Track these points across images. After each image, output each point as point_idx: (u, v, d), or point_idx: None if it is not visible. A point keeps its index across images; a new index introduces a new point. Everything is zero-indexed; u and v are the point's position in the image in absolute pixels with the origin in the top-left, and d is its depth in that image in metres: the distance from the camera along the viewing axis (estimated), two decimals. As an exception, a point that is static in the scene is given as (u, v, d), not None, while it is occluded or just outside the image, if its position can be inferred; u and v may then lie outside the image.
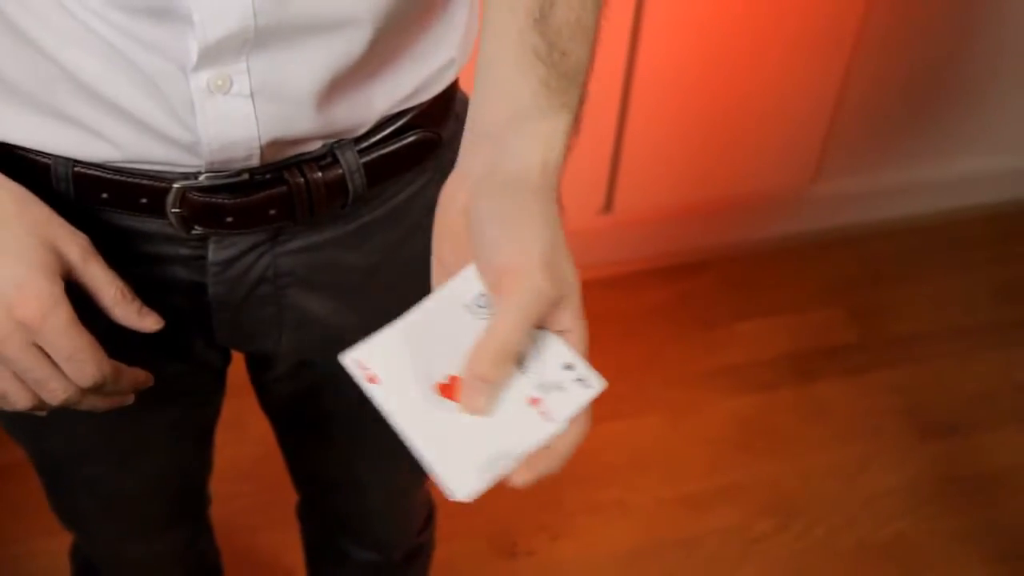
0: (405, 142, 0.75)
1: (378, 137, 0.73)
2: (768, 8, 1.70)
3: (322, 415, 0.97)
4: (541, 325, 0.60)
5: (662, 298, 1.95)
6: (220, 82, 0.63)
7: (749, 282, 1.99)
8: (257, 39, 0.62)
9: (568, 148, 0.66)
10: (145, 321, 0.69)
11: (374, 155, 0.73)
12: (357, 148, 0.72)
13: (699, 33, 1.70)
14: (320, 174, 0.71)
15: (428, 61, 0.73)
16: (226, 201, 0.70)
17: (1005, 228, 2.11)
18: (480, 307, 0.62)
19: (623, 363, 1.84)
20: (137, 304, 0.68)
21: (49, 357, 0.64)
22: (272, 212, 0.72)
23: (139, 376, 0.71)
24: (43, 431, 0.89)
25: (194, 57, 0.62)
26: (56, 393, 0.65)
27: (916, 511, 1.67)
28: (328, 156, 0.72)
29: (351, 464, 1.04)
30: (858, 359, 1.88)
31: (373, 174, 0.74)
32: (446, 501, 1.25)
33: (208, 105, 0.64)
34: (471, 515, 1.60)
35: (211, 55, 0.62)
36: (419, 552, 1.22)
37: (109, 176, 0.69)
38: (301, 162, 0.71)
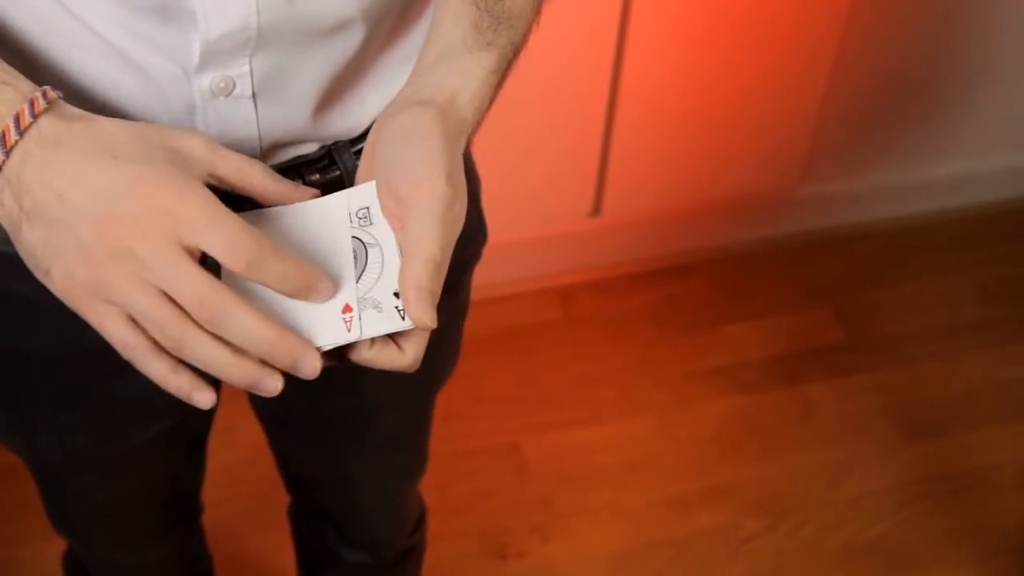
0: None
1: None
2: (754, 11, 1.71)
3: (314, 418, 0.97)
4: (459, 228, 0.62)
5: (650, 301, 1.96)
6: (223, 84, 0.64)
7: (736, 284, 2.00)
8: (260, 38, 0.62)
9: (492, 87, 0.67)
10: (301, 192, 0.63)
11: None
12: (354, 149, 0.73)
13: (685, 36, 1.71)
14: (318, 176, 0.72)
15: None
16: (225, 203, 0.70)
17: (991, 229, 2.12)
18: (361, 219, 0.63)
19: (611, 366, 1.85)
20: (285, 179, 0.63)
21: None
22: None
23: (309, 271, 0.59)
24: (36, 440, 0.89)
25: (196, 58, 0.62)
26: (202, 298, 0.54)
27: (903, 510, 1.68)
28: (326, 158, 0.72)
29: (343, 466, 1.04)
30: (845, 360, 1.89)
31: None
32: (437, 503, 1.26)
33: (210, 107, 0.65)
34: (462, 516, 1.61)
35: (213, 55, 0.62)
36: (411, 553, 1.22)
37: None
38: (299, 164, 0.71)
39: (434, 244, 0.60)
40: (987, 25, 1.89)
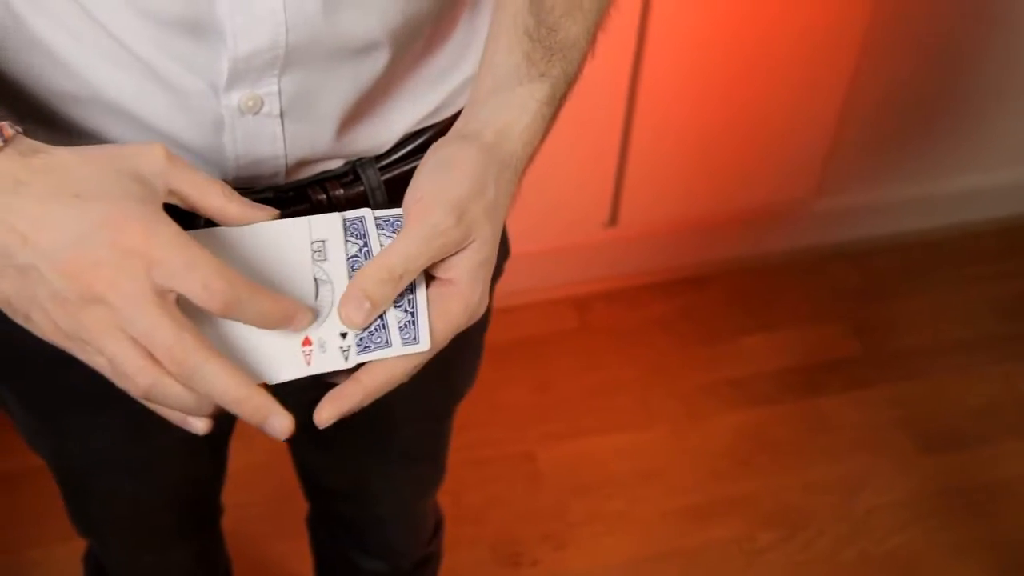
0: None
1: (399, 154, 0.74)
2: (772, 23, 1.71)
3: (334, 429, 0.98)
4: (439, 259, 0.61)
5: (666, 311, 1.96)
6: (251, 103, 0.64)
7: (752, 296, 2.00)
8: (288, 57, 0.62)
9: (545, 119, 0.67)
10: (262, 212, 0.61)
11: (395, 172, 0.74)
12: (378, 165, 0.73)
13: (703, 48, 1.71)
14: (342, 191, 0.72)
15: (447, 80, 0.74)
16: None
17: (1008, 243, 2.12)
18: (315, 252, 0.62)
19: (626, 376, 1.85)
20: (245, 199, 0.60)
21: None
22: None
23: (287, 305, 0.58)
24: (61, 441, 0.90)
25: (225, 75, 0.62)
26: (172, 353, 0.53)
27: (918, 524, 1.68)
28: (350, 174, 0.72)
29: (362, 477, 1.05)
30: (860, 373, 1.89)
31: (394, 191, 0.74)
32: (451, 510, 1.27)
33: (238, 125, 0.65)
34: (476, 524, 1.62)
35: (242, 73, 0.62)
36: (427, 562, 1.23)
37: None
38: (324, 180, 0.72)
39: (397, 257, 0.59)
40: (1006, 39, 1.89)
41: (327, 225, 0.62)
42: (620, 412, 1.81)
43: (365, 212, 0.63)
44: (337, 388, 0.61)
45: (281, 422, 0.56)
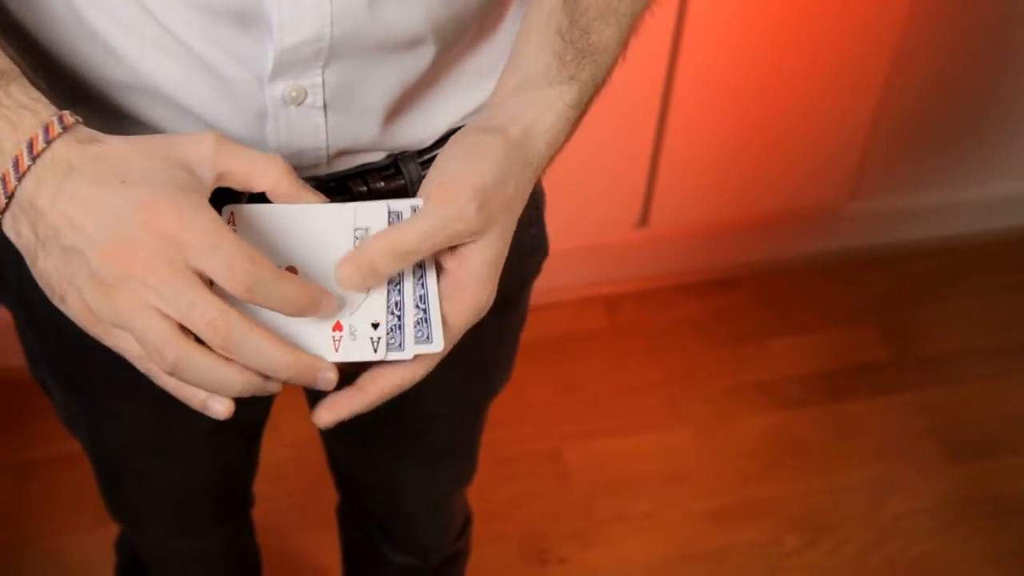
0: None
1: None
2: (807, 25, 1.70)
3: (366, 419, 0.99)
4: (452, 246, 0.61)
5: (695, 313, 1.96)
6: (295, 94, 0.64)
7: (782, 299, 1.99)
8: (332, 50, 0.63)
9: (570, 122, 0.67)
10: (313, 195, 0.61)
11: None
12: (420, 160, 0.73)
13: (738, 49, 1.71)
14: (383, 184, 0.72)
15: (493, 76, 0.74)
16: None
17: (1042, 250, 2.11)
18: (357, 240, 0.62)
19: (655, 376, 1.85)
20: (299, 180, 0.61)
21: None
22: None
23: (313, 291, 0.58)
24: (99, 424, 0.91)
25: (270, 66, 0.63)
26: (216, 325, 0.53)
27: (946, 531, 1.67)
28: (392, 167, 0.73)
29: (393, 472, 1.05)
30: (890, 378, 1.88)
31: None
32: (478, 507, 1.27)
33: (281, 115, 0.65)
34: (503, 521, 1.62)
35: (286, 64, 0.63)
36: (456, 558, 1.23)
37: None
38: (365, 172, 0.72)
39: (411, 233, 0.59)
40: (1044, 45, 1.88)
41: (372, 213, 0.63)
42: (648, 412, 1.81)
43: (405, 205, 0.63)
44: (339, 394, 0.61)
45: (328, 376, 0.57)
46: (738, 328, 1.94)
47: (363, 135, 0.70)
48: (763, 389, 1.84)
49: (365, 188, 0.72)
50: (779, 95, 1.78)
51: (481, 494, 1.56)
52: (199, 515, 1.07)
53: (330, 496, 1.23)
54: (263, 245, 0.60)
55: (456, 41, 0.69)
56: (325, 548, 1.40)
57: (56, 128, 0.55)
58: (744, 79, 1.75)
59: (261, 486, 1.16)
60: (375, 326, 0.60)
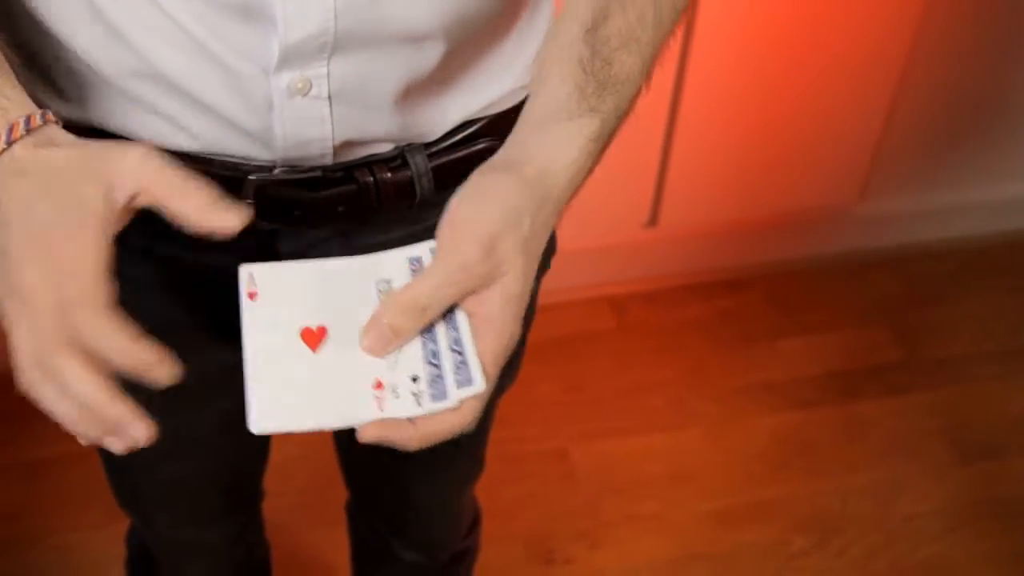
0: (475, 148, 0.75)
1: (449, 142, 0.75)
2: (817, 26, 1.70)
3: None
4: (469, 293, 0.62)
5: (703, 313, 1.96)
6: (300, 85, 0.65)
7: (791, 300, 1.99)
8: (337, 43, 0.63)
9: (591, 155, 0.67)
10: (235, 216, 0.59)
11: (443, 159, 0.74)
12: (427, 152, 0.73)
13: (748, 50, 1.71)
14: (389, 175, 0.73)
15: (504, 78, 0.74)
16: (297, 195, 0.71)
17: (1053, 252, 2.10)
18: (380, 292, 0.63)
19: (663, 376, 1.85)
20: (225, 202, 0.59)
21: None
22: (341, 209, 0.73)
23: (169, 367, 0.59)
24: None
25: (275, 58, 0.63)
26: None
27: (954, 533, 1.66)
28: (399, 158, 0.73)
29: (402, 469, 1.05)
30: (900, 379, 1.87)
31: (441, 178, 0.74)
32: (485, 506, 1.27)
33: (286, 105, 0.66)
34: (509, 521, 1.62)
35: (291, 57, 0.63)
36: (464, 555, 1.24)
37: (187, 165, 0.70)
38: (372, 163, 0.72)
39: (423, 289, 0.61)
40: (1055, 46, 1.87)
41: (392, 264, 0.63)
42: (655, 413, 1.80)
43: (424, 249, 0.64)
44: (395, 421, 0.62)
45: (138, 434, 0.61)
46: (747, 329, 1.94)
47: (369, 127, 0.70)
48: (771, 390, 1.84)
49: (371, 179, 0.72)
50: (789, 96, 1.78)
51: (487, 494, 1.56)
52: (207, 507, 1.07)
53: (339, 493, 1.23)
54: (289, 307, 0.61)
55: (467, 39, 0.69)
56: (334, 545, 1.40)
57: (20, 130, 0.57)
58: (754, 80, 1.74)
59: (270, 483, 1.16)
60: (415, 379, 0.61)
